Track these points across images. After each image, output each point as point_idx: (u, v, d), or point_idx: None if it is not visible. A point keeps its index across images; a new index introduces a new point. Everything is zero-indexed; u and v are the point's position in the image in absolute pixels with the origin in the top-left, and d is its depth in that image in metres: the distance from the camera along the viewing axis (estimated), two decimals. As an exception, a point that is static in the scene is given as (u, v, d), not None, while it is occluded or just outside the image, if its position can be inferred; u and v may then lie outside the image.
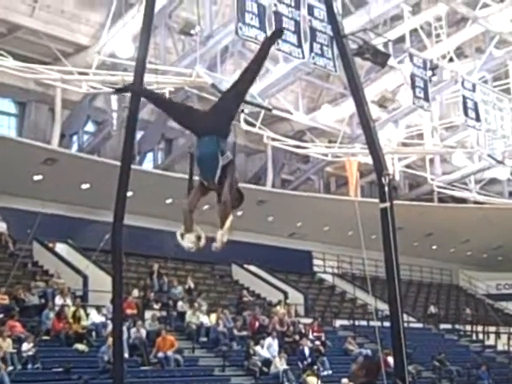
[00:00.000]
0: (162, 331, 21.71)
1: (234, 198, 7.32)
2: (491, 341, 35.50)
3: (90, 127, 30.64)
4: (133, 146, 10.07)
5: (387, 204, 7.49)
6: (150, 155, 32.57)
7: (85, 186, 26.30)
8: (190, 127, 7.67)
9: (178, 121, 7.88)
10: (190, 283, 27.37)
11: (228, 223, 7.29)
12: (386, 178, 7.56)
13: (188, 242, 7.46)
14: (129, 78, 20.32)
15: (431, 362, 28.36)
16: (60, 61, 25.31)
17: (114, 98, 26.80)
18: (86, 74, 23.49)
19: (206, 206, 7.41)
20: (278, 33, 8.72)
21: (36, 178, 25.28)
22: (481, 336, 36.09)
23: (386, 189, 7.53)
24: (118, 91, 8.71)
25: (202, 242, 7.48)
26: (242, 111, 25.21)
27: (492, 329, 36.31)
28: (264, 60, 7.81)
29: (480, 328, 36.26)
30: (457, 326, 36.14)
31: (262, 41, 8.47)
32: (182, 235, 7.49)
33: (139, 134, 28.26)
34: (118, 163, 9.64)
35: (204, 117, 7.49)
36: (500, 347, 34.89)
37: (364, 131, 8.14)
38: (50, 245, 26.52)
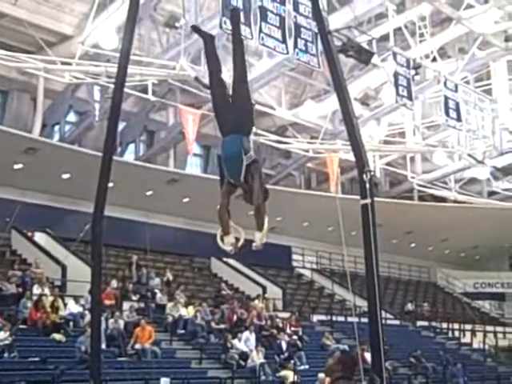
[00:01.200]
0: (141, 321, 21.70)
1: (263, 195, 7.51)
2: (467, 338, 35.77)
3: (71, 117, 30.50)
4: (115, 137, 10.06)
5: (368, 200, 7.54)
6: (131, 147, 32.49)
7: (65, 176, 26.21)
8: (218, 120, 7.73)
9: (214, 104, 7.94)
10: (169, 275, 27.38)
11: (266, 224, 7.51)
12: (368, 175, 7.61)
13: (227, 245, 7.65)
14: (112, 69, 20.34)
15: (407, 359, 28.54)
16: (43, 50, 25.23)
17: (96, 89, 26.72)
18: (69, 64, 23.46)
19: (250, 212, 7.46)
20: (235, 13, 8.61)
21: (16, 166, 25.15)
22: (457, 333, 36.35)
23: (368, 185, 7.59)
24: (194, 29, 8.49)
25: (241, 242, 7.63)
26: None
27: (468, 327, 36.60)
28: (239, 40, 7.85)
29: (456, 326, 36.53)
30: (433, 324, 36.35)
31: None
32: (222, 238, 7.64)
33: (121, 125, 28.18)
34: (100, 154, 9.64)
35: (228, 116, 7.56)
36: (475, 345, 35.17)
37: (347, 128, 8.19)
38: (29, 234, 26.43)
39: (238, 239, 7.61)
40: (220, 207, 7.62)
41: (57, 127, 29.96)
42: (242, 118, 7.58)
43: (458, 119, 27.07)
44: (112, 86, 11.13)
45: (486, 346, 34.93)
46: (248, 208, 7.59)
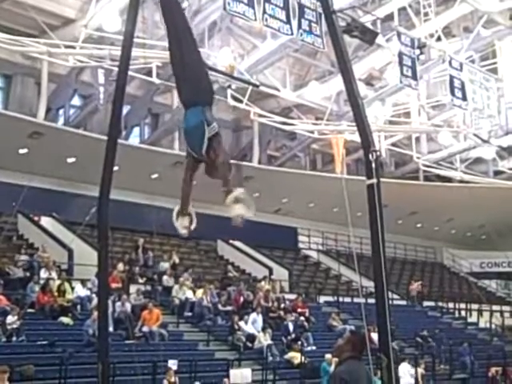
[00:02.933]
0: (148, 304, 21.76)
1: (228, 170, 7.10)
2: (474, 318, 35.83)
3: (76, 101, 30.49)
4: (120, 121, 10.04)
5: (374, 180, 7.51)
6: (136, 130, 32.49)
7: (70, 160, 26.24)
8: (178, 93, 7.56)
9: (175, 78, 7.58)
10: (175, 258, 27.37)
11: (232, 196, 6.98)
12: (374, 155, 7.57)
13: (181, 226, 7.47)
14: (116, 52, 20.26)
15: (414, 339, 28.62)
16: (47, 34, 25.12)
17: (100, 72, 26.67)
18: (73, 47, 23.39)
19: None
20: None
21: (21, 151, 25.18)
22: (463, 313, 36.41)
23: (373, 165, 7.55)
24: None
25: (193, 225, 7.47)
26: (229, 87, 25.21)
27: (474, 306, 36.65)
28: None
29: (463, 305, 36.57)
30: (440, 304, 36.40)
31: None
32: (178, 217, 7.46)
33: (126, 109, 28.16)
34: (105, 137, 9.62)
35: (186, 88, 7.36)
36: (482, 324, 35.24)
37: (352, 108, 8.13)
38: (35, 218, 26.49)
39: (191, 221, 7.41)
40: (183, 185, 7.38)
41: (61, 111, 29.96)
42: (200, 89, 7.27)
43: (464, 98, 26.95)
44: (116, 69, 11.08)
45: (493, 326, 35.01)
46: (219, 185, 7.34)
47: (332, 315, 27.50)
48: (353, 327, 25.23)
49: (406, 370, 24.19)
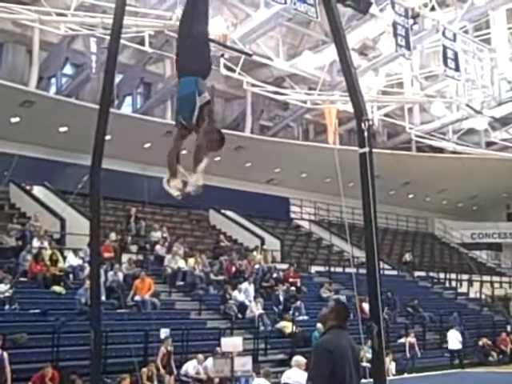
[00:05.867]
0: (140, 273, 21.81)
1: (215, 139, 7.24)
2: (464, 288, 36.05)
3: (68, 70, 30.29)
4: (112, 90, 9.99)
5: (366, 149, 7.51)
6: (128, 99, 32.34)
7: (63, 129, 26.13)
8: (178, 61, 7.66)
9: (177, 44, 7.85)
10: (165, 233, 27.15)
11: (202, 166, 7.25)
12: (366, 124, 7.56)
13: (174, 189, 7.42)
14: (108, 20, 20.10)
15: (405, 308, 28.79)
16: (38, 1, 24.86)
17: (92, 41, 26.47)
18: (65, 15, 23.17)
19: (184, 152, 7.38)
20: None
21: (13, 120, 25.06)
22: (454, 283, 36.63)
23: (366, 134, 7.54)
24: None
25: (189, 187, 7.40)
26: (222, 56, 25.09)
27: (465, 277, 36.87)
28: None
29: (453, 276, 36.79)
30: (431, 274, 36.59)
31: None
32: (169, 181, 7.46)
33: (118, 78, 28.00)
34: (97, 106, 9.58)
35: (186, 57, 7.44)
36: (472, 294, 35.47)
37: (345, 77, 8.10)
38: (27, 187, 26.43)
39: (185, 183, 7.46)
40: (170, 151, 7.49)
41: (53, 80, 29.77)
42: (198, 61, 7.43)
43: (457, 69, 26.85)
44: (108, 37, 11.02)
45: (483, 296, 35.25)
46: (213, 155, 7.46)
47: (324, 285, 27.61)
48: (344, 297, 25.36)
49: (454, 337, 24.89)
